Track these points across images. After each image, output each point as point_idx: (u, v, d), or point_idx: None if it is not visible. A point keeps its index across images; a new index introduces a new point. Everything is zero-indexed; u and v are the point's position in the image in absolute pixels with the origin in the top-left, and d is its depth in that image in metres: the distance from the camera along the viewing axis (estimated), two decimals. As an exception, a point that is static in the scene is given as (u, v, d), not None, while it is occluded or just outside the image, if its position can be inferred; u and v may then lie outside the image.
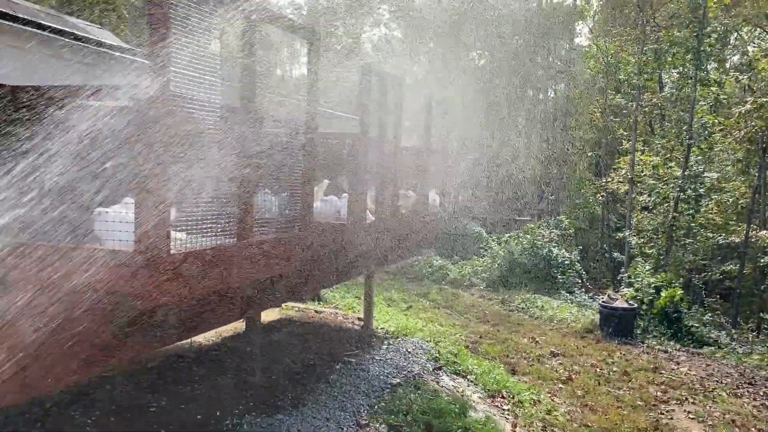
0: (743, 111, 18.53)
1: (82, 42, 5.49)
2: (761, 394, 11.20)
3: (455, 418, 6.72)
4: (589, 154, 30.84)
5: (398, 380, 7.51)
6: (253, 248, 4.38)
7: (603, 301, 14.96)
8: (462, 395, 7.94)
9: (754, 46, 20.65)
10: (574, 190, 34.53)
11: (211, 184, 3.94)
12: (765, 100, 18.28)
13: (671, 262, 18.87)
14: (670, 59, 20.08)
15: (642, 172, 22.49)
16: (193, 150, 3.67)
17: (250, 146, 4.24)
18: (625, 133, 25.34)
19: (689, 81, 19.26)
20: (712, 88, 18.76)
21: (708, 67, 19.44)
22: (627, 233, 20.44)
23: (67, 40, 5.35)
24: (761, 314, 19.28)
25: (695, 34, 18.78)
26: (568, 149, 30.55)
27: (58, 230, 3.64)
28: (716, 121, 19.20)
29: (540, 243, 18.96)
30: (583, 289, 19.24)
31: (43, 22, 5.15)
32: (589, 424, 8.60)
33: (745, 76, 19.60)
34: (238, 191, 4.25)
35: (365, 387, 6.97)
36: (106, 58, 5.90)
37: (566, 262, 18.97)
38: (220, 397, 6.08)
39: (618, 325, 14.20)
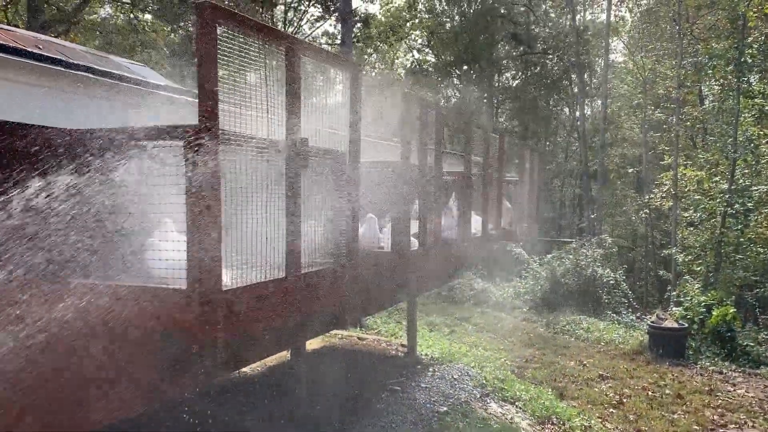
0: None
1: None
2: (826, 415, 10.70)
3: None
4: (630, 170, 30.33)
5: (445, 408, 7.40)
6: (307, 281, 4.41)
7: (652, 322, 14.56)
8: (511, 422, 7.77)
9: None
10: (615, 207, 33.98)
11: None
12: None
13: (721, 279, 18.31)
14: (710, 72, 19.67)
15: (686, 187, 21.99)
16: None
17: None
18: (666, 148, 24.84)
19: (731, 93, 18.84)
20: (756, 100, 18.29)
21: (751, 78, 18.96)
22: (673, 250, 19.94)
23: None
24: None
25: (735, 45, 18.41)
26: (608, 166, 30.10)
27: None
28: (762, 132, 18.69)
29: (584, 263, 18.61)
30: (630, 309, 18.75)
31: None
32: (644, 450, 8.31)
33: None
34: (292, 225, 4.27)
35: (412, 416, 6.88)
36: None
37: (611, 281, 18.56)
38: (267, 428, 6.06)
39: (668, 346, 13.79)
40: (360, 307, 5.80)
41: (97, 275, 3.72)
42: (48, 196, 3.36)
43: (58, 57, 3.88)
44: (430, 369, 8.95)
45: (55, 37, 19.05)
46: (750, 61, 18.29)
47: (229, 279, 3.75)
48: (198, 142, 3.34)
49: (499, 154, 11.27)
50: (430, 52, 44.97)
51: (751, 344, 14.68)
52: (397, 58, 48.00)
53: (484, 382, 8.95)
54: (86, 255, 3.64)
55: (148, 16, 24.45)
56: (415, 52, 46.80)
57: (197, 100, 3.55)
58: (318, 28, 46.24)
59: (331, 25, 45.87)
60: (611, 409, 10.56)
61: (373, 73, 44.53)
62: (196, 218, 3.35)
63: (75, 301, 3.04)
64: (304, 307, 4.58)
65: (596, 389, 11.69)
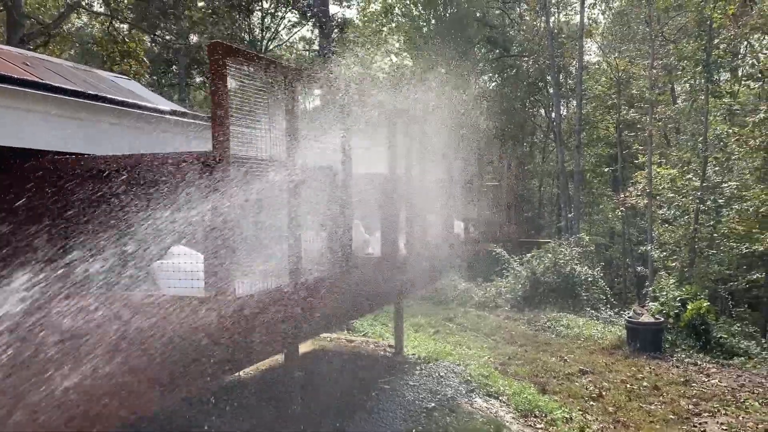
0: (757, 119, 18.66)
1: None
2: (794, 402, 11.20)
3: (490, 439, 6.91)
4: (606, 169, 30.95)
5: (433, 404, 7.73)
6: (306, 290, 4.72)
7: (629, 317, 15.03)
8: (495, 416, 8.12)
9: (765, 54, 20.72)
10: (592, 206, 34.63)
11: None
12: (779, 108, 18.40)
13: (695, 274, 18.88)
14: (680, 73, 20.28)
15: (660, 185, 22.59)
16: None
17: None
18: (641, 147, 25.45)
19: (701, 93, 19.45)
20: (724, 99, 18.90)
21: (719, 78, 19.59)
22: (649, 247, 20.49)
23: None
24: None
25: (703, 47, 19.02)
26: (584, 166, 30.68)
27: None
28: (731, 131, 19.32)
29: (562, 261, 19.08)
30: (608, 306, 19.27)
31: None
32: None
33: (758, 85, 19.72)
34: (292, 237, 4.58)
35: (402, 413, 7.20)
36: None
37: (589, 279, 19.07)
38: (266, 428, 6.33)
39: (645, 340, 14.26)
40: (353, 310, 6.11)
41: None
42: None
43: (81, 89, 4.11)
44: (418, 368, 9.28)
45: (34, 49, 19.10)
46: (718, 61, 18.91)
47: (244, 287, 4.06)
48: (212, 166, 3.64)
49: (478, 159, 11.66)
50: (407, 55, 45.31)
51: (725, 336, 15.23)
52: (374, 63, 48.26)
53: (469, 378, 9.30)
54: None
55: (124, 26, 24.50)
56: (392, 56, 47.12)
57: (210, 125, 3.86)
58: (295, 33, 46.48)
59: (308, 30, 46.14)
60: (591, 402, 10.95)
61: (349, 77, 44.76)
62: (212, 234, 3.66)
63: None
64: (311, 312, 4.91)
65: (577, 383, 12.08)
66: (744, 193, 21.34)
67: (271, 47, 45.28)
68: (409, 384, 8.27)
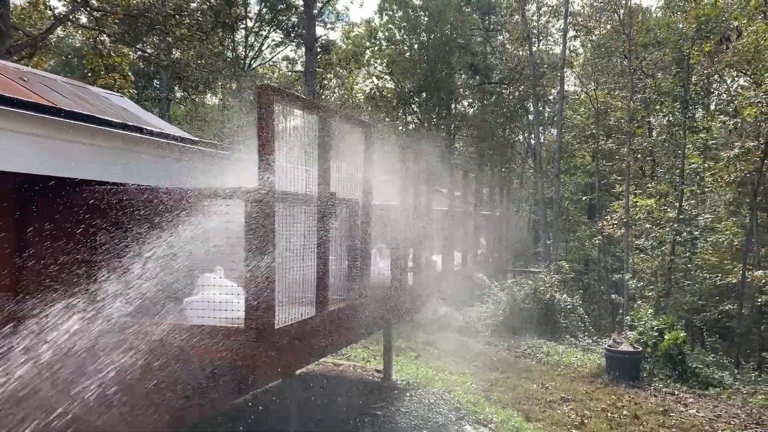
0: (731, 155, 19.24)
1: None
2: (769, 433, 11.49)
3: (483, 467, 6.99)
4: (583, 198, 31.48)
5: (425, 431, 7.79)
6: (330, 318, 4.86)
7: (608, 346, 15.27)
8: (485, 444, 8.21)
9: (738, 93, 21.39)
10: (568, 233, 35.14)
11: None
12: (752, 144, 19.00)
13: (670, 304, 19.25)
14: (659, 107, 20.86)
15: (636, 215, 23.07)
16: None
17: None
18: (618, 177, 25.95)
19: (676, 128, 20.01)
20: (700, 135, 19.48)
21: (695, 113, 20.19)
22: (627, 276, 20.86)
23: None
24: (762, 354, 19.64)
25: (681, 83, 19.61)
26: (563, 194, 31.16)
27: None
28: (706, 165, 19.88)
29: (542, 288, 19.32)
30: (586, 333, 19.53)
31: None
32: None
33: (732, 122, 20.35)
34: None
35: (397, 439, 7.25)
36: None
37: (568, 306, 19.33)
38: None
39: (624, 369, 14.49)
40: (351, 335, 6.20)
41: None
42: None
43: (118, 120, 4.18)
44: (407, 394, 9.34)
45: (19, 60, 18.94)
46: (694, 97, 19.50)
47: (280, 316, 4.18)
48: (258, 201, 3.78)
49: (475, 190, 11.85)
50: (389, 78, 45.71)
51: (700, 366, 15.56)
52: (356, 84, 48.59)
53: (458, 405, 9.39)
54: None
55: (107, 39, 24.39)
56: (374, 78, 47.45)
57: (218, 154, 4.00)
58: (279, 53, 46.70)
59: (291, 50, 46.40)
60: (574, 430, 11.10)
61: (333, 98, 45.07)
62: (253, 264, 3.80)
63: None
64: (326, 338, 5.00)
65: (559, 411, 12.22)
66: (716, 226, 21.94)
67: (254, 65, 45.46)
68: (400, 410, 8.32)
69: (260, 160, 3.82)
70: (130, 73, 23.83)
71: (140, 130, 4.52)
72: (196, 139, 6.12)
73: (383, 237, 6.54)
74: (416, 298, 8.47)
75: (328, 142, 4.68)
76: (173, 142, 5.09)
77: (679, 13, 21.39)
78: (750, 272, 18.91)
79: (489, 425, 9.02)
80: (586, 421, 11.63)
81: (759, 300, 19.36)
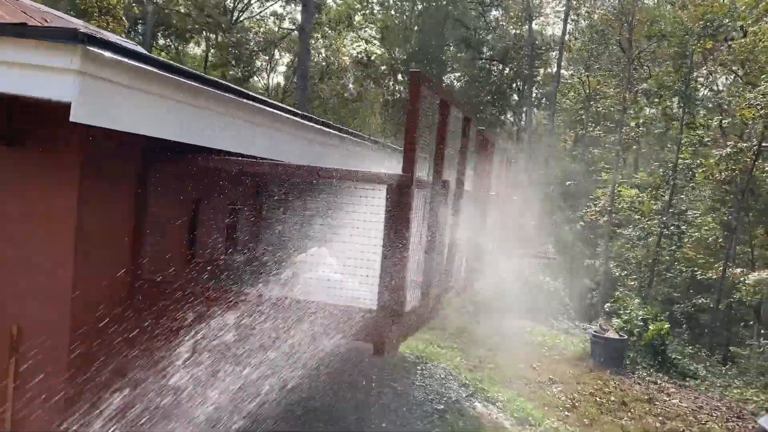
0: (723, 154, 19.55)
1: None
2: (750, 428, 11.88)
3: (501, 446, 7.09)
4: (567, 183, 31.72)
5: (442, 406, 7.84)
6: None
7: (595, 332, 15.54)
8: (497, 421, 8.31)
9: (731, 93, 21.62)
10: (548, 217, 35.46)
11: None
12: (745, 145, 19.34)
13: (653, 294, 19.67)
14: (657, 100, 21.02)
15: (619, 204, 23.39)
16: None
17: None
18: (607, 166, 26.19)
19: (674, 122, 20.22)
20: (698, 131, 19.73)
21: (696, 111, 20.42)
22: (611, 264, 21.21)
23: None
24: (729, 348, 20.29)
25: (683, 78, 19.76)
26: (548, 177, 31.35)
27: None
28: (698, 161, 20.19)
29: (527, 270, 19.51)
30: (565, 316, 19.86)
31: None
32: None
33: (722, 120, 20.65)
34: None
35: (418, 412, 7.28)
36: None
37: (551, 289, 19.59)
38: (291, 420, 6.27)
39: (609, 355, 14.77)
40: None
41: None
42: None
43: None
44: (418, 368, 9.37)
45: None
46: (694, 94, 19.69)
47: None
48: (402, 187, 3.70)
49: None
50: (379, 44, 45.05)
51: (679, 357, 16.00)
52: (344, 47, 47.81)
53: (466, 382, 9.47)
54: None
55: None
56: (363, 42, 46.68)
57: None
58: (268, 7, 45.62)
59: (280, 5, 45.35)
60: (566, 413, 11.30)
61: (318, 58, 44.20)
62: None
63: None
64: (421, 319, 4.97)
65: (548, 392, 12.44)
66: (699, 221, 22.40)
67: (241, 18, 44.34)
68: (415, 384, 8.35)
69: (407, 146, 3.72)
70: (123, 17, 22.95)
71: (282, 108, 4.40)
72: (337, 126, 6.03)
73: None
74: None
75: (450, 130, 4.58)
76: (311, 124, 4.98)
77: (683, 9, 21.38)
78: (730, 269, 19.42)
79: (497, 404, 9.12)
80: (576, 404, 11.86)
81: (734, 296, 19.92)
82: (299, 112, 5.01)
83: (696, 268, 21.41)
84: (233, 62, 40.92)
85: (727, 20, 19.24)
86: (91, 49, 2.84)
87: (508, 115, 40.67)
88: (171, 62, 3.45)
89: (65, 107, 2.90)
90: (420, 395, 7.95)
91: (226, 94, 3.87)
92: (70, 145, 3.58)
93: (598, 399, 12.42)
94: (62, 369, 3.62)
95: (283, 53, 47.63)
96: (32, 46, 2.94)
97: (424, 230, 4.36)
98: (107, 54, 2.93)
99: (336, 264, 4.43)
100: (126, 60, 3.03)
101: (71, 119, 2.86)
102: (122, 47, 3.03)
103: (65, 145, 3.60)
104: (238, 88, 4.01)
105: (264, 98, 4.38)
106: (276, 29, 46.29)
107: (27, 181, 3.74)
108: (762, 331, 18.30)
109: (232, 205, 4.86)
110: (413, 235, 3.93)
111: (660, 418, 11.79)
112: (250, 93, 4.21)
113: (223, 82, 3.86)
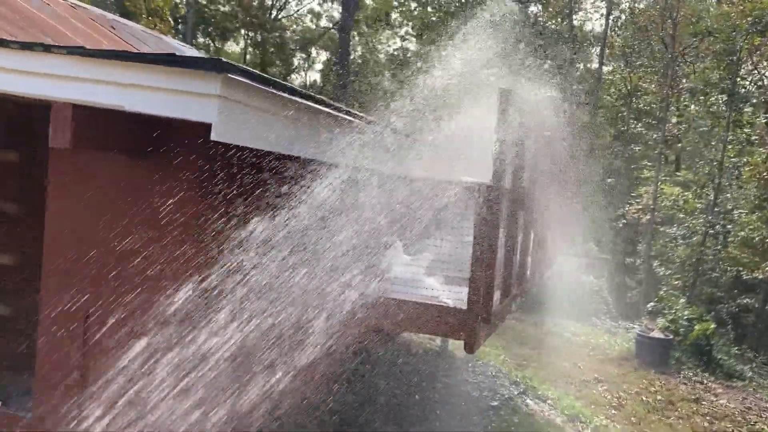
0: (769, 152, 19.29)
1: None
2: (800, 430, 11.81)
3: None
4: (609, 180, 31.48)
5: (497, 403, 8.03)
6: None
7: (640, 331, 15.52)
8: (549, 419, 8.47)
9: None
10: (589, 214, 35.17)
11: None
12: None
13: (695, 294, 19.50)
14: (702, 98, 20.77)
15: (662, 202, 23.15)
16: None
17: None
18: (649, 164, 25.89)
19: (721, 120, 19.97)
20: (745, 130, 19.47)
21: (744, 109, 20.13)
22: (648, 262, 21.04)
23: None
24: (775, 348, 20.00)
25: (729, 76, 19.50)
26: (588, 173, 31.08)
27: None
28: (745, 159, 19.92)
29: (569, 269, 19.49)
30: (608, 316, 19.80)
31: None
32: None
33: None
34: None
35: (475, 408, 7.49)
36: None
37: (595, 288, 19.55)
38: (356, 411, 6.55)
39: (654, 355, 14.77)
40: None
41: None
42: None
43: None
44: (469, 365, 9.57)
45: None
46: (742, 92, 19.41)
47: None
48: (492, 196, 3.97)
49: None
50: (413, 40, 45.08)
51: (725, 358, 15.88)
52: (380, 44, 48.02)
53: (516, 380, 9.64)
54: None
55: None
56: (398, 40, 46.78)
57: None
58: (305, 6, 46.09)
59: (318, 3, 45.80)
60: (613, 411, 11.40)
61: (355, 56, 44.45)
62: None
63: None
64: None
65: (594, 391, 12.53)
66: (744, 220, 22.04)
67: (279, 17, 44.84)
68: (468, 381, 8.55)
69: (496, 155, 4.01)
70: (169, 18, 23.56)
71: (358, 116, 4.65)
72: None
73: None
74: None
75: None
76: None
77: (730, 5, 21.04)
78: (777, 269, 19.15)
79: (547, 401, 9.27)
80: (623, 403, 11.93)
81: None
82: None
83: (741, 268, 21.10)
84: (274, 60, 41.44)
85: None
86: (231, 76, 3.14)
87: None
88: (285, 82, 3.72)
89: (186, 125, 3.24)
90: (474, 392, 8.16)
91: (321, 108, 4.19)
92: (194, 157, 3.92)
93: (644, 398, 12.47)
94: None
95: (319, 51, 48.13)
96: (179, 74, 3.26)
97: (505, 234, 4.58)
98: (242, 79, 3.24)
99: (409, 260, 4.65)
100: (253, 83, 3.34)
101: (212, 138, 3.19)
102: (250, 72, 3.35)
103: (190, 157, 3.95)
104: (328, 100, 4.26)
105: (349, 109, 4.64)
106: (313, 27, 46.80)
107: (154, 190, 4.09)
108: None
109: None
110: (500, 238, 4.17)
111: (708, 418, 11.80)
112: (336, 104, 4.45)
113: (319, 96, 4.12)
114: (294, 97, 3.72)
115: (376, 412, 6.49)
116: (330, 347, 3.97)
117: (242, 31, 44.72)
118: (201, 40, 44.79)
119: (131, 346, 3.95)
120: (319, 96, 4.09)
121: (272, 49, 43.78)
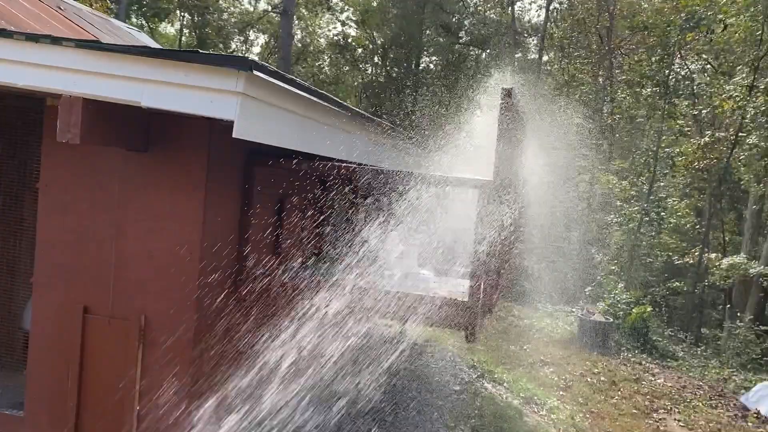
0: (702, 143, 20.20)
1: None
2: (732, 405, 12.51)
3: (517, 422, 7.44)
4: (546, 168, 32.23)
5: (458, 387, 8.15)
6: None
7: (582, 314, 16.05)
8: (507, 401, 8.67)
9: (711, 89, 22.12)
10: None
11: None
12: (723, 134, 20.01)
13: (629, 278, 20.32)
14: (638, 90, 21.54)
15: (597, 190, 23.98)
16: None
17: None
18: (586, 153, 26.68)
19: (656, 112, 20.78)
20: (678, 121, 20.33)
21: (678, 102, 20.99)
22: (592, 249, 21.76)
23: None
24: (701, 329, 21.13)
25: (665, 69, 20.29)
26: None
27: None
28: (677, 150, 20.83)
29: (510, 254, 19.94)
30: (547, 300, 20.38)
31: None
32: (610, 430, 9.52)
33: (705, 111, 21.25)
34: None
35: (437, 392, 7.58)
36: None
37: (535, 274, 20.06)
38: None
39: (596, 338, 15.32)
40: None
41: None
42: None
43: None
44: (428, 349, 9.67)
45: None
46: (674, 84, 20.26)
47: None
48: (492, 193, 4.02)
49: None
50: (354, 26, 44.87)
51: (660, 339, 16.65)
52: (320, 28, 47.54)
53: (474, 364, 9.81)
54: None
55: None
56: (339, 24, 46.42)
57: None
58: (248, -13, 45.04)
59: (260, -14, 44.83)
60: (561, 392, 11.76)
61: (294, 40, 43.86)
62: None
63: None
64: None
65: (541, 373, 12.89)
66: (675, 207, 23.10)
67: (217, -3, 43.66)
68: (429, 365, 8.65)
69: (498, 154, 4.05)
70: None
71: (374, 120, 4.74)
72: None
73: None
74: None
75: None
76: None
77: (665, 1, 21.86)
78: (706, 254, 20.17)
79: (503, 384, 9.48)
80: (569, 384, 12.33)
81: (707, 281, 20.70)
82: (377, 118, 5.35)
83: (671, 253, 22.13)
84: (212, 43, 40.45)
85: (710, 12, 19.74)
86: (254, 72, 3.06)
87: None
88: (301, 81, 3.70)
89: (194, 119, 3.18)
90: (436, 377, 8.26)
91: (334, 108, 4.22)
92: (198, 151, 3.87)
93: (588, 379, 12.92)
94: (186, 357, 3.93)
95: (257, 34, 47.26)
96: (202, 70, 3.17)
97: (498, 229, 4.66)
98: (263, 76, 3.17)
99: (407, 252, 4.68)
100: (273, 80, 3.29)
101: (234, 135, 3.15)
102: (269, 69, 3.28)
103: (193, 151, 3.91)
104: (339, 100, 4.31)
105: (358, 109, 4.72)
106: (251, 9, 45.87)
107: (158, 183, 4.00)
108: (738, 314, 19.07)
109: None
110: (495, 234, 4.23)
111: (648, 396, 12.34)
112: (346, 104, 4.50)
113: (331, 96, 4.16)
114: (312, 97, 3.73)
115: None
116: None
117: (178, 12, 43.43)
118: (134, 20, 43.19)
119: (131, 345, 3.92)
120: (334, 97, 4.14)
121: (209, 30, 42.72)
